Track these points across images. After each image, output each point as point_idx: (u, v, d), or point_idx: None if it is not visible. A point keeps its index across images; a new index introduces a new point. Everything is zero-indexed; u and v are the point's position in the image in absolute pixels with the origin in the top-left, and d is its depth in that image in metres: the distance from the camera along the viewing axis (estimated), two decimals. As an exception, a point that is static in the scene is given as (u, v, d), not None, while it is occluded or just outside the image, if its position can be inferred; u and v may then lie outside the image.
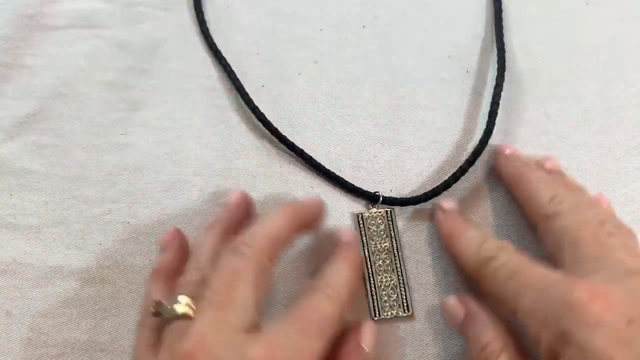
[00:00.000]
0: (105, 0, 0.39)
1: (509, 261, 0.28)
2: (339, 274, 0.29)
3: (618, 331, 0.23)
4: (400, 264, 0.33)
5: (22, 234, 0.33)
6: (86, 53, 0.37)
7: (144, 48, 0.37)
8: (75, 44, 0.37)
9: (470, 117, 0.36)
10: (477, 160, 0.34)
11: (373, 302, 0.32)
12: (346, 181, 0.34)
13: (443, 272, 0.33)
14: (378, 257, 0.33)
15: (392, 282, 0.32)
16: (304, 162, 0.34)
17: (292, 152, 0.34)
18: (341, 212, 0.34)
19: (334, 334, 0.27)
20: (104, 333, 0.31)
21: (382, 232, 0.33)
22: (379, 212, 0.34)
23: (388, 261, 0.33)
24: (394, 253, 0.33)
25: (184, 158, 0.35)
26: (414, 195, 0.34)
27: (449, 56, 0.38)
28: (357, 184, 0.34)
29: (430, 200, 0.34)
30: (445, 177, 0.34)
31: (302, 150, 0.34)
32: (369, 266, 0.33)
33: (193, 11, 0.39)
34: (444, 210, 0.33)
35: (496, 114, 0.35)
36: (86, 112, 0.36)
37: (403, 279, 0.32)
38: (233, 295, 0.25)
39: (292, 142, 0.34)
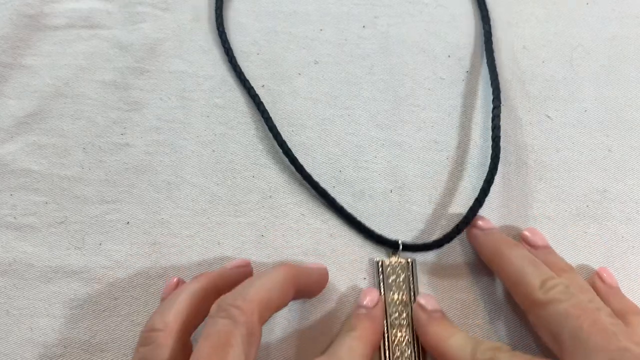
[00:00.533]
0: (105, 0, 0.39)
1: (569, 308, 0.27)
2: (353, 354, 0.28)
3: None
4: None
5: (22, 234, 0.33)
6: (86, 53, 0.37)
7: (144, 48, 0.37)
8: (75, 44, 0.37)
9: (471, 117, 0.36)
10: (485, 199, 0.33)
11: (386, 357, 0.31)
12: (364, 226, 0.33)
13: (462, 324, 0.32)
14: (395, 309, 0.31)
15: (407, 338, 0.31)
16: (319, 197, 0.34)
17: (308, 185, 0.34)
18: (357, 257, 0.33)
19: None
20: (104, 333, 0.31)
21: (402, 283, 0.32)
22: (400, 262, 0.32)
23: (404, 314, 0.31)
24: (412, 307, 0.31)
25: (183, 158, 0.35)
26: (425, 241, 0.33)
27: (449, 56, 0.38)
28: (364, 188, 0.34)
29: (449, 243, 0.33)
30: (449, 181, 0.34)
31: (317, 184, 0.33)
32: (386, 318, 0.31)
33: (193, 11, 0.39)
34: (422, 307, 0.31)
35: (499, 147, 0.34)
36: (86, 112, 0.36)
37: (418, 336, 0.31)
38: None
39: (309, 174, 0.34)
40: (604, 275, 0.32)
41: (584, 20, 0.39)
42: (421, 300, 0.31)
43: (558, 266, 0.31)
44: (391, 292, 0.32)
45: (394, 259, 0.32)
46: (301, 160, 0.35)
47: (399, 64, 0.38)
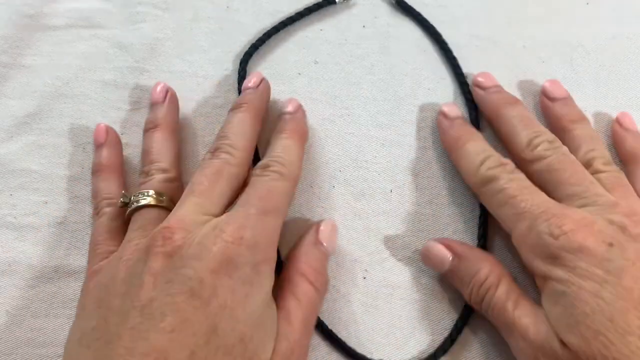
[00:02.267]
0: (105, 0, 0.39)
1: (507, 185, 0.29)
2: (288, 150, 0.31)
3: (600, 253, 0.26)
4: None
5: (22, 234, 0.33)
6: (86, 53, 0.37)
7: (144, 48, 0.37)
8: (75, 44, 0.37)
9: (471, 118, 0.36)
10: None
11: None
12: (349, 347, 0.31)
13: None
14: None
15: None
16: None
17: None
18: None
19: (288, 208, 0.30)
20: (104, 333, 0.31)
21: None
22: None
23: None
24: None
25: (183, 158, 0.35)
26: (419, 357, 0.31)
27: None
28: (365, 190, 0.34)
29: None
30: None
31: None
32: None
33: (193, 11, 0.39)
34: (446, 117, 0.34)
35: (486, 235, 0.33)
36: (86, 112, 0.36)
37: None
38: (213, 189, 0.28)
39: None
40: (624, 119, 0.34)
41: (584, 20, 0.39)
42: (444, 108, 0.34)
43: (569, 117, 0.33)
44: None
45: None
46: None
47: (399, 64, 0.38)
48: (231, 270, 0.25)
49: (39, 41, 0.37)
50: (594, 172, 0.30)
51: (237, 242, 0.26)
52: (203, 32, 0.38)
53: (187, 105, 0.36)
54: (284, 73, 0.37)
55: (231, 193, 0.29)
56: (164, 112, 0.33)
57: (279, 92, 0.37)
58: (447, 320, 0.32)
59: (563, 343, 0.26)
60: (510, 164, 0.31)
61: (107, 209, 0.31)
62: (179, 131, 0.34)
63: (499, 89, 0.35)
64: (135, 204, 0.30)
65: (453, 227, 0.34)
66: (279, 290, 0.28)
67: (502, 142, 0.33)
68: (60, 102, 0.36)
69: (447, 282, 0.32)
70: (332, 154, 0.35)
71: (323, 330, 0.31)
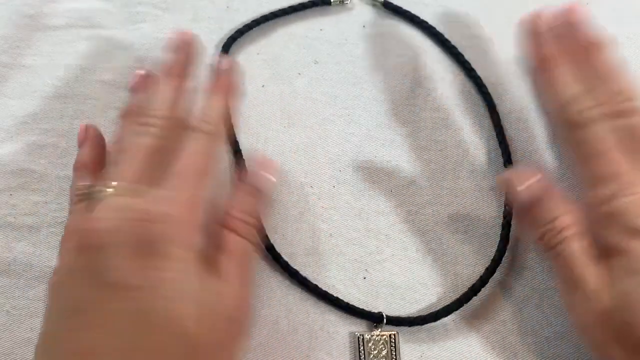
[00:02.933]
0: (105, 0, 0.39)
1: (594, 138, 0.27)
2: (215, 107, 0.30)
3: None
4: None
5: (22, 234, 0.33)
6: (86, 53, 0.37)
7: (144, 48, 0.37)
8: (75, 44, 0.37)
9: (471, 118, 0.36)
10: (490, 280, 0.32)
11: None
12: (346, 303, 0.31)
13: None
14: None
15: None
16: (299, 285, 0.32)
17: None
18: (339, 331, 0.31)
19: (214, 165, 0.29)
20: (104, 333, 0.31)
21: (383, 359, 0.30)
22: (382, 336, 0.30)
23: None
24: None
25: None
26: (421, 314, 0.31)
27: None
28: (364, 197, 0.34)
29: (440, 320, 0.31)
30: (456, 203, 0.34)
31: (296, 272, 0.32)
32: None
33: (193, 11, 0.39)
34: (540, 24, 0.30)
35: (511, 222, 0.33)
36: (86, 112, 0.36)
37: None
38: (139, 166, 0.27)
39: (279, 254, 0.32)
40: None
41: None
42: (540, 13, 0.30)
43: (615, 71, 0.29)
44: None
45: (376, 333, 0.30)
46: (301, 159, 0.35)
47: (399, 64, 0.38)
48: (156, 250, 0.24)
49: (39, 41, 0.37)
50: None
51: (162, 220, 0.25)
52: (203, 32, 0.38)
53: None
54: (284, 73, 0.37)
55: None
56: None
57: (279, 92, 0.37)
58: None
59: (629, 322, 0.25)
60: (608, 105, 0.27)
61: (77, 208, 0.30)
62: None
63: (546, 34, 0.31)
64: (97, 196, 0.28)
65: (453, 227, 0.34)
66: (210, 246, 0.27)
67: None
68: (60, 102, 0.36)
69: (519, 214, 0.31)
70: (332, 154, 0.35)
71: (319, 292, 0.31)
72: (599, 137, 0.27)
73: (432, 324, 0.31)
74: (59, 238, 0.32)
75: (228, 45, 0.37)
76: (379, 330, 0.30)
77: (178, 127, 0.29)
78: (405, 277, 0.33)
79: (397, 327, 0.31)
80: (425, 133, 0.36)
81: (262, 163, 0.30)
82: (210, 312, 0.25)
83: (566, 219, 0.27)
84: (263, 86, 0.37)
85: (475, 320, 0.32)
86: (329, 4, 0.38)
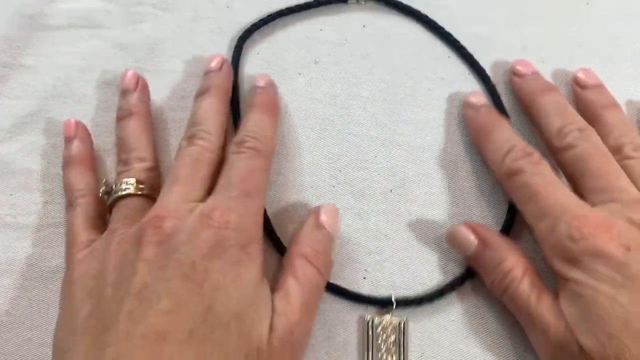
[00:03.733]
0: (105, 0, 0.39)
1: (531, 180, 0.29)
2: (262, 124, 0.31)
3: (618, 257, 0.26)
4: None
5: (22, 234, 0.33)
6: (86, 53, 0.37)
7: (144, 48, 0.37)
8: (75, 44, 0.37)
9: (470, 117, 0.36)
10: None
11: None
12: (354, 292, 0.31)
13: None
14: None
15: None
16: None
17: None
18: (347, 318, 0.31)
19: (267, 183, 0.31)
20: (104, 333, 0.31)
21: (392, 346, 0.30)
22: (391, 322, 0.31)
23: None
24: None
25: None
26: (427, 293, 0.32)
27: (449, 56, 0.38)
28: (365, 190, 0.34)
29: (446, 295, 0.32)
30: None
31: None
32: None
33: (193, 11, 0.39)
34: (471, 106, 0.34)
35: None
36: (86, 112, 0.36)
37: None
38: (195, 176, 0.29)
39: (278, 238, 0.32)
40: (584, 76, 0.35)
41: (584, 20, 0.39)
42: (470, 97, 0.35)
43: (600, 104, 0.33)
44: (379, 354, 0.30)
45: (385, 318, 0.31)
46: (301, 159, 0.35)
47: (399, 64, 0.38)
48: (221, 253, 0.26)
49: (39, 41, 0.37)
50: (624, 158, 0.30)
51: (224, 226, 0.26)
52: (203, 32, 0.38)
53: (187, 106, 0.35)
54: (284, 73, 0.37)
55: (211, 177, 0.30)
56: (136, 100, 0.34)
57: (279, 92, 0.36)
58: (447, 320, 0.32)
59: (579, 346, 0.26)
60: (535, 155, 0.30)
61: (82, 200, 0.31)
62: (152, 118, 0.35)
63: (536, 76, 0.35)
64: (118, 193, 0.30)
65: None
66: (280, 273, 0.29)
67: (537, 130, 0.34)
68: (60, 102, 0.36)
69: (471, 266, 0.32)
70: (332, 154, 0.35)
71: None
72: (534, 178, 0.29)
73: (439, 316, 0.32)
74: (59, 238, 0.32)
75: (242, 41, 0.37)
76: (389, 315, 0.31)
77: (225, 144, 0.31)
78: (405, 277, 0.33)
79: (406, 306, 0.31)
80: (425, 133, 0.36)
81: (334, 209, 0.31)
82: (269, 324, 0.26)
83: (509, 262, 0.29)
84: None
85: (476, 311, 0.32)
86: (345, 2, 0.38)
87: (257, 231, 0.28)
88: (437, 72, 0.37)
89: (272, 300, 0.27)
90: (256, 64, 0.37)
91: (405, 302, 0.31)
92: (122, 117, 0.33)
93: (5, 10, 0.38)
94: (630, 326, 0.25)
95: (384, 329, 0.30)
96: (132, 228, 0.27)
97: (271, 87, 0.35)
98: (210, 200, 0.28)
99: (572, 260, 0.27)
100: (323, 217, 0.30)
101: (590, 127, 0.31)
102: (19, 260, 0.32)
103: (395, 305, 0.31)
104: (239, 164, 0.29)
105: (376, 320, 0.31)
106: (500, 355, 0.31)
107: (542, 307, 0.28)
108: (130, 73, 0.34)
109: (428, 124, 0.36)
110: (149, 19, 0.38)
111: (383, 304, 0.31)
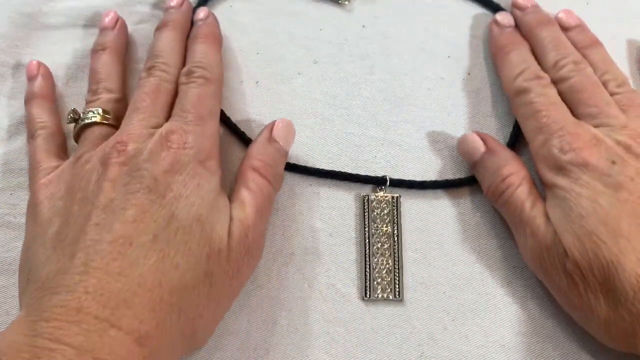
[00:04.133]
0: (105, -1, 0.39)
1: (536, 99, 0.32)
2: (207, 55, 0.33)
3: (602, 169, 0.29)
4: (398, 249, 0.33)
5: (22, 234, 0.32)
6: (85, 52, 0.37)
7: (143, 48, 0.37)
8: (75, 43, 0.37)
9: (471, 118, 0.36)
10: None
11: (366, 282, 0.32)
12: (350, 174, 0.34)
13: (440, 266, 0.33)
14: (378, 240, 0.33)
15: (388, 266, 0.33)
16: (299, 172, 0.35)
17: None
18: (348, 195, 0.35)
19: (220, 106, 0.33)
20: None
21: (386, 217, 0.33)
22: (385, 197, 0.34)
23: (387, 245, 0.33)
24: (394, 238, 0.33)
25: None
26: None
27: (448, 56, 0.38)
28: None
29: (439, 189, 0.34)
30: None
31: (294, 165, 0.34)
32: (368, 247, 0.33)
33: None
34: (497, 24, 0.37)
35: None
36: (86, 111, 0.36)
37: (398, 265, 0.33)
38: (154, 104, 0.31)
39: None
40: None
41: (584, 20, 0.39)
42: (498, 16, 0.37)
43: (583, 44, 0.35)
44: (375, 224, 0.33)
45: (380, 194, 0.34)
46: (302, 160, 0.35)
47: (399, 64, 0.38)
48: (180, 169, 0.28)
49: (38, 40, 0.37)
50: (609, 94, 0.32)
51: (182, 147, 0.29)
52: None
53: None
54: (284, 73, 0.37)
55: (169, 106, 0.32)
56: (113, 37, 0.36)
57: (279, 92, 0.36)
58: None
59: (562, 245, 0.28)
60: (545, 79, 0.33)
61: (42, 131, 0.33)
62: (126, 55, 0.36)
63: (535, 9, 0.37)
64: (85, 121, 0.32)
65: (453, 227, 0.34)
66: (233, 185, 0.31)
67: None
68: (60, 102, 0.36)
69: (474, 172, 0.34)
70: (332, 153, 0.35)
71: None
72: (538, 98, 0.32)
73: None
74: (59, 238, 0.32)
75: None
76: (383, 192, 0.34)
77: (180, 74, 0.33)
78: (404, 277, 0.33)
79: (400, 188, 0.34)
80: (425, 132, 0.36)
81: (288, 124, 0.33)
82: (227, 228, 0.28)
83: (510, 168, 0.32)
84: (257, 82, 0.37)
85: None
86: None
87: (214, 150, 0.30)
88: (437, 72, 0.38)
89: (231, 210, 0.29)
90: (256, 64, 0.37)
91: (399, 183, 0.34)
92: (95, 50, 0.35)
93: (4, 9, 0.37)
94: (609, 225, 0.27)
95: (379, 202, 0.33)
96: (96, 152, 0.29)
97: (211, 17, 0.36)
98: (168, 125, 0.30)
99: (560, 168, 0.30)
100: (275, 132, 0.32)
101: (584, 61, 0.34)
102: (19, 260, 0.32)
103: (389, 183, 0.34)
104: (190, 93, 0.31)
105: (372, 196, 0.33)
106: (485, 255, 0.34)
107: (535, 211, 0.30)
108: (111, 14, 0.36)
109: (428, 124, 0.36)
110: (149, 18, 0.38)
111: (378, 183, 0.34)
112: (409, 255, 0.33)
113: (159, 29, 0.35)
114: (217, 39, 0.35)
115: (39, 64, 0.35)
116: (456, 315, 0.32)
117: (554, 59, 0.34)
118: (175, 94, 0.32)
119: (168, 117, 0.31)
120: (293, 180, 0.35)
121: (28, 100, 0.34)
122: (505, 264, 0.33)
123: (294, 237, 0.33)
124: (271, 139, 0.32)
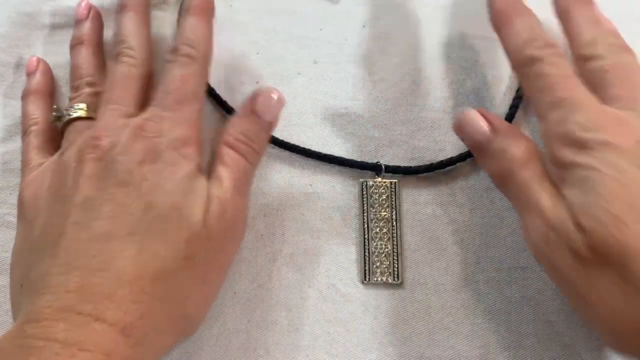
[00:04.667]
0: (105, -1, 0.38)
1: (549, 70, 0.29)
2: (196, 31, 0.32)
3: (628, 148, 0.26)
4: (397, 234, 0.33)
5: (21, 234, 0.33)
6: (86, 52, 0.37)
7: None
8: (75, 43, 0.37)
9: (470, 118, 0.36)
10: None
11: (365, 266, 0.33)
12: (345, 159, 0.34)
13: (439, 249, 0.34)
14: (376, 224, 0.34)
15: (387, 250, 0.33)
16: (299, 156, 0.35)
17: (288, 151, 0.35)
18: (349, 196, 0.35)
19: (205, 85, 0.32)
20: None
21: (384, 202, 0.34)
22: (384, 182, 0.34)
23: (385, 229, 0.33)
24: (393, 223, 0.34)
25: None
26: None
27: (449, 56, 0.38)
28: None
29: (434, 171, 0.35)
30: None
31: (294, 146, 0.35)
32: (367, 232, 0.33)
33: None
34: None
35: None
36: (86, 111, 0.36)
37: (397, 249, 0.33)
38: (125, 93, 0.31)
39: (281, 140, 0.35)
40: None
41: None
42: None
43: (593, 20, 0.32)
44: (374, 210, 0.34)
45: (378, 180, 0.34)
46: (301, 159, 0.35)
47: (399, 64, 0.38)
48: (155, 158, 0.28)
49: (38, 40, 0.37)
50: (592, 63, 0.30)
51: (157, 135, 0.28)
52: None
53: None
54: (284, 73, 0.37)
55: (142, 91, 0.31)
56: (87, 28, 0.35)
57: (280, 92, 0.36)
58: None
59: (578, 226, 0.26)
60: (558, 47, 0.30)
61: (34, 128, 0.33)
62: (103, 46, 0.36)
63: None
64: (67, 117, 0.32)
65: (453, 227, 0.34)
66: (212, 162, 0.30)
67: (567, 39, 0.32)
68: (59, 102, 0.36)
69: (475, 151, 0.32)
70: (332, 153, 0.35)
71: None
72: (552, 69, 0.29)
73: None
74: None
75: None
76: (381, 178, 0.34)
77: (154, 56, 0.32)
78: (405, 278, 0.33)
79: (396, 174, 0.35)
80: (425, 133, 0.36)
81: (269, 96, 0.31)
82: (207, 209, 0.28)
83: (518, 148, 0.29)
84: (257, 82, 0.37)
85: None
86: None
87: (194, 133, 0.30)
88: (437, 72, 0.37)
89: (208, 189, 0.29)
90: (256, 64, 0.37)
91: (395, 170, 0.34)
92: (73, 45, 0.35)
93: (4, 9, 0.37)
94: (634, 207, 0.25)
95: (377, 187, 0.34)
96: (72, 148, 0.29)
97: None
98: (144, 113, 0.29)
99: (582, 146, 0.27)
100: (256, 104, 0.31)
101: (626, 45, 0.31)
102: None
103: (385, 170, 0.34)
104: (172, 73, 0.30)
105: (370, 182, 0.34)
106: (483, 253, 0.34)
107: (544, 192, 0.28)
108: (83, 3, 0.36)
109: (428, 124, 0.36)
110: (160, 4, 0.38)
111: (374, 169, 0.34)
112: (407, 240, 0.34)
113: (117, 12, 0.34)
114: (208, 12, 0.33)
115: (39, 60, 0.35)
116: (456, 315, 0.32)
117: (593, 35, 0.31)
118: (147, 76, 0.32)
119: (142, 101, 0.31)
120: (293, 181, 0.35)
121: (24, 96, 0.35)
122: (505, 264, 0.33)
123: (294, 237, 0.33)
124: (251, 112, 0.31)
